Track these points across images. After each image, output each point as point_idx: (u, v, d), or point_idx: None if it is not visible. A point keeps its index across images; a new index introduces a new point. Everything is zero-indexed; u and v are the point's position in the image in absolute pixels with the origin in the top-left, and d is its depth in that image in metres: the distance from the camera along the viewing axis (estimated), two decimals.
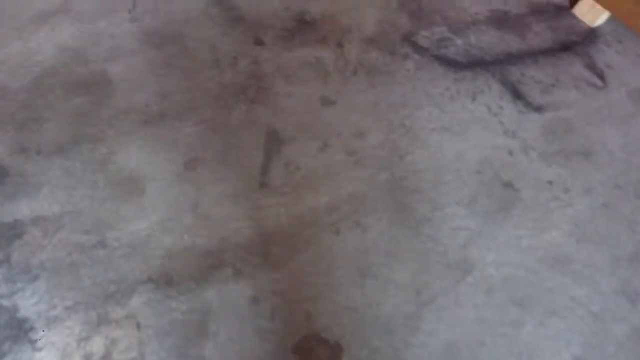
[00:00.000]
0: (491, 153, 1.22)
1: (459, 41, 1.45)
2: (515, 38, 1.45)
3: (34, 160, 1.23)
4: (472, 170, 1.19)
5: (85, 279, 1.06)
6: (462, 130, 1.26)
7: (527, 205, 1.14)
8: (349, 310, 1.02)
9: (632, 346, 0.98)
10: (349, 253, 1.08)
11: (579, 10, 1.49)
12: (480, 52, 1.43)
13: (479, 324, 1.00)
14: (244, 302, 1.03)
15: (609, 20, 1.46)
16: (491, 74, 1.37)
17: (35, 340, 0.99)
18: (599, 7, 1.43)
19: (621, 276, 1.05)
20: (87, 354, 0.98)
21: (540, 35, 1.46)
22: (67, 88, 1.37)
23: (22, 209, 1.15)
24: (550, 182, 1.17)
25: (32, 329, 1.00)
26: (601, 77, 1.37)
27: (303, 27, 1.49)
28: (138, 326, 1.00)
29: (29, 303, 1.03)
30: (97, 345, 0.99)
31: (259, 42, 1.46)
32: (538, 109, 1.30)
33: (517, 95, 1.33)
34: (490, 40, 1.45)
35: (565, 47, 1.43)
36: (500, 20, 1.50)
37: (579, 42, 1.44)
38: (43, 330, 0.99)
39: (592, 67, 1.38)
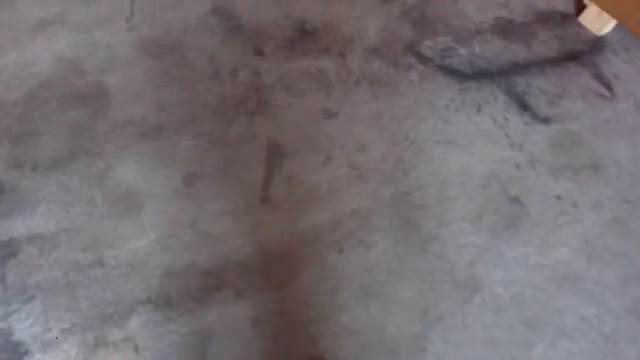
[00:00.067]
0: (497, 167, 1.19)
1: (463, 51, 1.42)
2: (520, 47, 1.43)
3: (29, 175, 1.20)
4: (478, 185, 1.16)
5: (82, 300, 1.03)
6: (467, 143, 1.24)
7: (535, 221, 1.11)
8: (353, 332, 0.99)
9: None
10: (352, 272, 1.05)
11: (585, 19, 1.47)
12: (485, 62, 1.40)
13: (488, 345, 0.97)
14: (246, 323, 1.00)
15: (616, 29, 1.43)
16: (496, 85, 1.34)
17: None
18: (605, 15, 1.40)
19: (632, 295, 1.02)
20: None
21: (546, 44, 1.43)
22: (64, 100, 1.34)
23: (18, 226, 1.12)
24: (558, 197, 1.14)
25: (27, 352, 0.97)
26: (609, 87, 1.34)
27: (304, 37, 1.46)
28: (136, 349, 0.98)
29: (24, 325, 1.00)
30: None
31: (259, 52, 1.43)
32: (545, 120, 1.27)
33: (523, 106, 1.30)
34: (495, 50, 1.42)
35: (571, 57, 1.40)
36: (505, 29, 1.47)
37: (585, 52, 1.41)
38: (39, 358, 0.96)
39: (599, 77, 1.36)
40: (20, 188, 1.19)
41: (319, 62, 1.40)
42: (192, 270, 1.05)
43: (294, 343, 0.98)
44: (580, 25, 1.47)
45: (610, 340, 0.97)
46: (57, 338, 0.98)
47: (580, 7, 1.48)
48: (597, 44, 1.43)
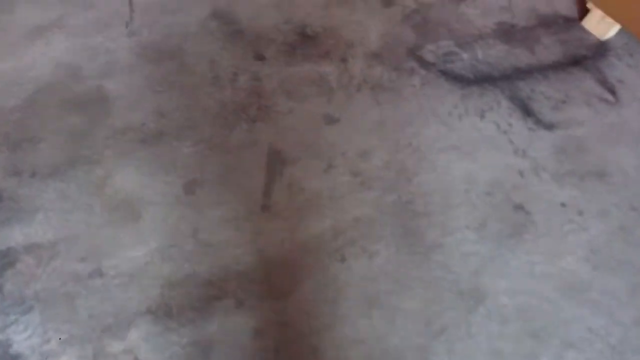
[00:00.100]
0: (501, 174, 1.18)
1: (465, 55, 1.41)
2: (523, 52, 1.41)
3: (28, 183, 1.19)
4: (482, 192, 1.15)
5: (80, 311, 1.01)
6: (470, 149, 1.22)
7: (540, 229, 1.09)
8: (356, 343, 0.98)
9: None
10: (355, 281, 1.04)
11: (589, 23, 1.45)
12: (487, 66, 1.38)
13: (493, 356, 0.96)
14: (247, 334, 0.98)
15: (620, 33, 1.42)
16: (500, 90, 1.33)
17: None
18: (609, 19, 1.39)
19: None
20: None
21: (549, 48, 1.42)
22: (62, 106, 1.33)
23: (16, 235, 1.11)
24: (563, 205, 1.13)
25: None
26: (613, 92, 1.33)
27: (305, 41, 1.45)
28: None
29: (22, 337, 0.98)
30: None
31: (259, 57, 1.41)
32: (549, 126, 1.26)
33: (526, 112, 1.29)
34: (498, 55, 1.41)
35: (575, 62, 1.39)
36: (507, 34, 1.45)
37: (589, 56, 1.40)
38: None
39: (603, 82, 1.34)
40: (18, 196, 1.17)
41: (320, 67, 1.39)
42: (192, 280, 1.04)
43: (295, 354, 0.97)
44: (583, 30, 1.46)
45: (617, 352, 0.95)
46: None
47: (584, 11, 1.46)
48: (601, 48, 1.42)
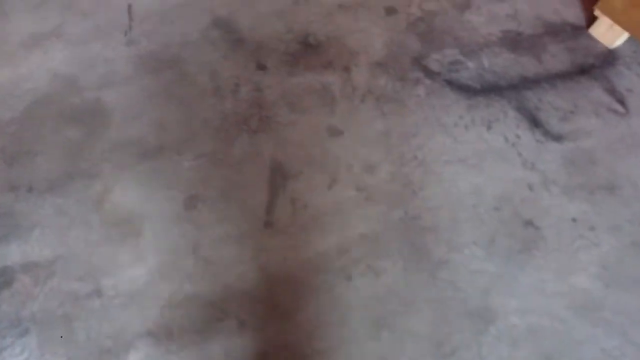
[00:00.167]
0: (510, 187, 1.15)
1: (471, 64, 1.38)
2: (530, 60, 1.38)
3: (25, 198, 1.16)
4: (490, 207, 1.12)
5: (78, 332, 0.98)
6: (478, 162, 1.19)
7: (551, 245, 1.07)
8: None
9: None
10: (362, 301, 1.01)
11: (596, 31, 1.42)
12: (494, 76, 1.36)
13: None
14: (250, 357, 0.96)
15: (629, 41, 1.39)
16: (507, 100, 1.30)
17: None
18: (617, 27, 1.36)
19: None
20: None
21: (556, 57, 1.39)
22: (60, 118, 1.30)
23: (12, 253, 1.08)
24: (574, 220, 1.10)
25: None
26: (622, 102, 1.30)
27: (307, 51, 1.42)
28: None
29: None
30: None
31: (261, 67, 1.39)
32: (557, 138, 1.23)
33: (534, 123, 1.26)
34: (505, 64, 1.38)
35: (583, 70, 1.36)
36: (514, 42, 1.43)
37: (597, 65, 1.37)
38: None
39: (612, 92, 1.32)
40: (15, 212, 1.14)
41: (323, 77, 1.36)
42: (193, 300, 1.01)
43: None
44: (591, 38, 1.43)
45: None
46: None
47: (591, 19, 1.43)
48: (609, 57, 1.39)
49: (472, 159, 1.20)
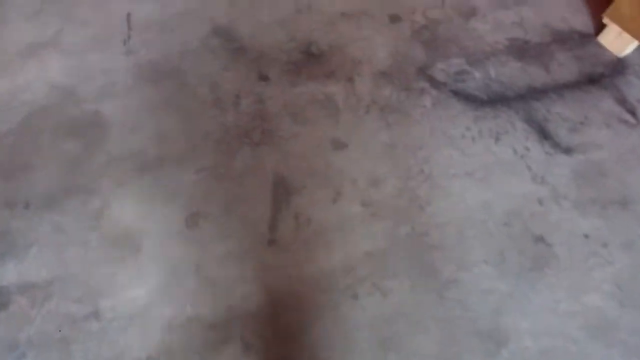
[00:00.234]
0: (519, 202, 1.12)
1: (477, 74, 1.35)
2: (538, 70, 1.35)
3: (21, 215, 1.13)
4: (500, 223, 1.09)
5: (76, 356, 0.95)
6: (486, 175, 1.16)
7: (563, 263, 1.04)
8: None
9: None
10: (368, 321, 0.98)
11: (605, 39, 1.39)
12: (501, 86, 1.33)
13: None
14: None
15: (639, 49, 1.36)
16: (514, 111, 1.27)
17: None
18: (626, 35, 1.33)
19: None
20: None
21: (564, 66, 1.36)
22: (58, 131, 1.27)
23: (9, 273, 1.05)
24: (586, 236, 1.07)
25: None
26: (633, 113, 1.27)
27: (310, 60, 1.39)
28: None
29: None
30: None
31: (263, 78, 1.36)
32: (567, 150, 1.20)
33: (543, 134, 1.23)
34: (512, 73, 1.35)
35: (592, 80, 1.33)
36: (521, 50, 1.40)
37: (606, 74, 1.34)
38: None
39: (622, 102, 1.29)
40: (11, 229, 1.11)
41: (326, 88, 1.33)
42: (196, 322, 0.98)
43: None
44: (599, 46, 1.40)
45: None
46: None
47: (600, 27, 1.40)
48: (619, 65, 1.36)
49: (480, 173, 1.17)
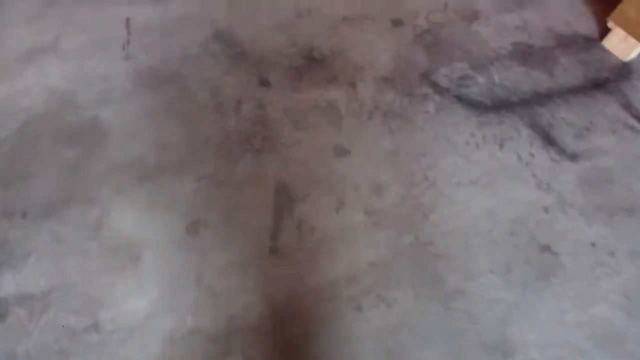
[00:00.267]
0: (525, 210, 1.10)
1: (481, 79, 1.33)
2: (542, 75, 1.34)
3: (19, 224, 1.11)
4: (505, 232, 1.08)
5: None
6: (490, 182, 1.15)
7: (569, 272, 1.02)
8: None
9: None
10: (372, 333, 0.96)
11: (610, 43, 1.38)
12: (505, 91, 1.31)
13: None
14: None
15: None
16: (519, 117, 1.26)
17: None
18: (631, 39, 1.32)
19: None
20: None
21: (569, 70, 1.35)
22: (57, 138, 1.25)
23: (7, 284, 1.03)
24: (593, 245, 1.05)
25: None
26: (638, 118, 1.25)
27: (311, 65, 1.37)
28: None
29: None
30: None
31: (264, 83, 1.34)
32: (572, 156, 1.18)
33: (548, 140, 1.21)
34: (516, 78, 1.33)
35: (597, 85, 1.32)
36: (525, 55, 1.38)
37: (611, 79, 1.32)
38: None
39: (627, 107, 1.27)
40: (9, 239, 1.10)
41: (328, 93, 1.32)
42: (197, 335, 0.96)
43: None
44: (604, 50, 1.39)
45: None
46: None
47: (604, 31, 1.39)
48: (624, 70, 1.34)
49: (485, 180, 1.15)
